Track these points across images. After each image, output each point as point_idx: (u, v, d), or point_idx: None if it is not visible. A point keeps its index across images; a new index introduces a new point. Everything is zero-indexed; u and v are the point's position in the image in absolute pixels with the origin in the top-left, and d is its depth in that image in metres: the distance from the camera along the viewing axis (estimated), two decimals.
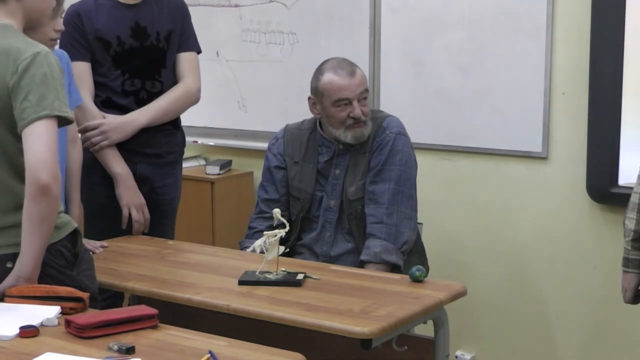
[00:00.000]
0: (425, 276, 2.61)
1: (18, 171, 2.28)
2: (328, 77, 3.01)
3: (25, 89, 2.21)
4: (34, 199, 2.21)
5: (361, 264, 2.94)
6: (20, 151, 2.24)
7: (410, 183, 3.06)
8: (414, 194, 3.07)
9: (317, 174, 3.09)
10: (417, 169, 3.10)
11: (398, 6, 3.66)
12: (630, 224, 2.58)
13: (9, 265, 2.30)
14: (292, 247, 3.07)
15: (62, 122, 2.29)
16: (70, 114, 2.31)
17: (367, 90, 3.03)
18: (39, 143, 2.21)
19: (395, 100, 3.66)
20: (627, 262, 2.62)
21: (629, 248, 2.61)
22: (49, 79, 2.24)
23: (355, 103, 2.97)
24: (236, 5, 4.09)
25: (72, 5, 3.14)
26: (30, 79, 2.22)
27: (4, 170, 2.31)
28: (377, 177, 3.01)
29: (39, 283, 2.30)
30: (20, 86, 2.22)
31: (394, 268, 2.93)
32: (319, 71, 3.06)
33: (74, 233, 2.40)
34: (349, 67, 3.02)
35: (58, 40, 2.81)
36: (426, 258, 3.15)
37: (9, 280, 2.27)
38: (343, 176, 3.06)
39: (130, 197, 3.14)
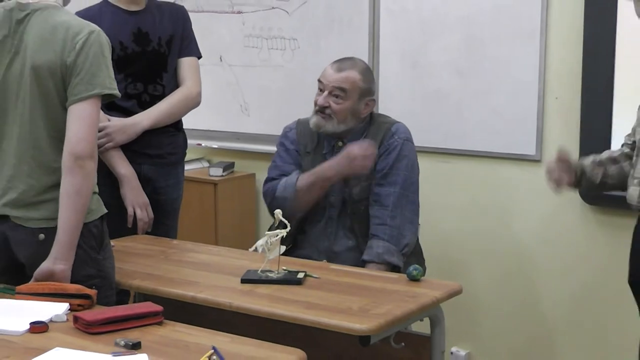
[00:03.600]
0: (422, 275, 2.62)
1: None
2: (328, 65, 3.08)
3: (80, 66, 2.32)
4: (70, 172, 2.29)
5: (362, 263, 2.96)
6: None
7: (414, 188, 3.08)
8: (417, 199, 3.09)
9: None
10: (419, 175, 3.12)
11: (397, 9, 3.68)
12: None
13: (41, 237, 2.36)
14: (294, 241, 3.10)
15: (109, 97, 2.40)
16: (116, 90, 2.41)
17: (343, 90, 2.99)
18: (84, 122, 2.31)
19: (394, 102, 3.68)
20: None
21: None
22: (100, 57, 2.34)
23: (325, 92, 3.01)
24: (239, 12, 4.11)
25: (77, 12, 3.17)
26: (85, 57, 2.32)
27: (52, 146, 2.37)
28: (383, 180, 3.03)
29: None
30: (77, 63, 2.32)
31: (394, 268, 2.95)
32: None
33: (102, 218, 2.46)
34: (346, 64, 3.05)
35: None
36: (423, 258, 3.17)
37: (46, 263, 2.32)
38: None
39: (135, 197, 3.16)
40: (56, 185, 2.34)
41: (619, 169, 2.63)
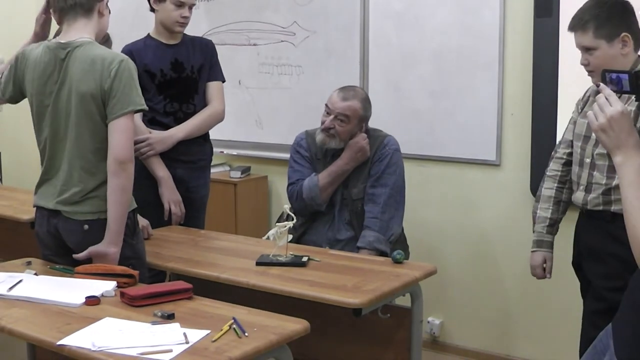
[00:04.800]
0: (405, 259, 2.62)
1: (105, 155, 2.35)
2: (334, 91, 3.08)
3: (115, 89, 2.32)
4: (115, 174, 2.31)
5: (357, 249, 2.96)
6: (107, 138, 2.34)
7: (401, 190, 3.08)
8: (403, 200, 3.08)
9: None
10: (404, 180, 3.11)
11: (382, 44, 3.67)
12: (545, 213, 2.61)
13: (85, 227, 2.38)
14: (305, 230, 3.09)
15: (140, 111, 2.42)
16: (145, 105, 2.42)
17: (347, 117, 2.98)
18: (123, 134, 2.32)
19: (380, 119, 3.64)
20: (540, 244, 2.64)
21: (543, 232, 2.62)
22: (131, 80, 2.35)
23: (331, 116, 2.99)
24: (254, 45, 4.10)
25: (126, 45, 3.17)
26: (119, 82, 2.32)
27: (96, 156, 2.38)
28: (376, 182, 3.03)
29: None
30: (112, 88, 2.32)
31: (382, 254, 2.94)
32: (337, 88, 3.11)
33: (134, 210, 2.46)
34: (349, 94, 3.03)
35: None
36: (407, 245, 3.16)
37: (100, 246, 2.34)
38: (346, 178, 3.07)
39: (170, 195, 3.15)
40: (97, 187, 2.36)
41: (565, 199, 2.61)
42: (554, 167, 2.63)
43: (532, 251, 2.67)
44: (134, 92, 2.34)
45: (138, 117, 3.08)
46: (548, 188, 2.62)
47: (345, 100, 3.01)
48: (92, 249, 2.35)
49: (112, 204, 2.32)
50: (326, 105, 3.04)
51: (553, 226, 2.63)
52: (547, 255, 2.65)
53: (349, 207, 3.06)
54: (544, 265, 2.65)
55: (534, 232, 2.67)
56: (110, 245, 2.33)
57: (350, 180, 3.06)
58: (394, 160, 3.04)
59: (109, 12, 2.53)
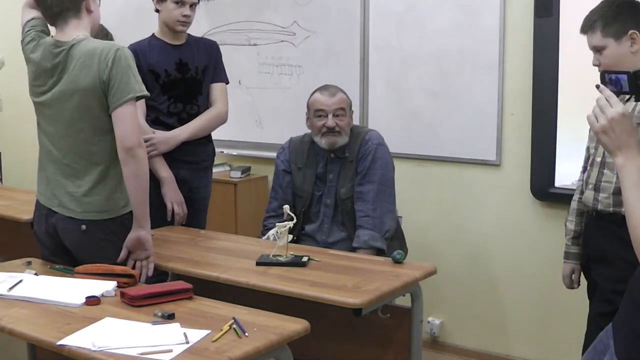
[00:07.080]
0: (404, 258, 2.62)
1: (106, 148, 2.36)
2: (314, 95, 3.11)
3: (114, 79, 2.32)
4: (126, 162, 2.32)
5: (353, 250, 2.95)
6: (110, 129, 2.34)
7: (390, 183, 3.07)
8: (393, 192, 3.08)
9: (316, 177, 3.11)
10: (394, 171, 3.11)
11: (382, 45, 3.67)
12: (571, 225, 2.61)
13: (83, 227, 2.37)
14: (297, 235, 3.08)
15: (141, 98, 2.42)
16: (145, 91, 2.42)
17: (343, 109, 3.05)
18: (126, 121, 2.33)
19: (380, 119, 3.67)
20: (567, 255, 2.65)
21: (569, 244, 2.63)
22: (128, 68, 2.35)
23: (330, 116, 3.01)
24: (254, 45, 4.10)
25: (130, 45, 3.17)
26: (117, 70, 2.33)
27: (99, 149, 2.38)
28: (363, 179, 3.03)
29: (105, 247, 2.39)
30: (110, 77, 2.33)
31: (379, 252, 2.94)
32: (312, 92, 3.13)
33: (130, 213, 2.46)
34: (332, 90, 3.09)
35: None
36: (405, 242, 3.16)
37: (132, 233, 2.38)
38: (336, 180, 3.08)
39: (173, 195, 3.15)
40: (94, 186, 2.36)
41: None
42: (579, 177, 2.60)
43: (563, 261, 2.68)
44: (132, 79, 2.34)
45: (142, 117, 3.09)
46: (573, 200, 2.61)
47: (333, 96, 3.07)
48: (125, 243, 2.38)
49: (131, 191, 2.35)
50: (316, 110, 3.06)
51: (578, 238, 2.61)
52: (574, 267, 2.65)
53: (339, 207, 3.06)
54: (573, 275, 2.66)
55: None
56: (138, 229, 2.37)
57: (339, 179, 3.06)
58: (378, 154, 3.04)
59: (99, 4, 2.53)
